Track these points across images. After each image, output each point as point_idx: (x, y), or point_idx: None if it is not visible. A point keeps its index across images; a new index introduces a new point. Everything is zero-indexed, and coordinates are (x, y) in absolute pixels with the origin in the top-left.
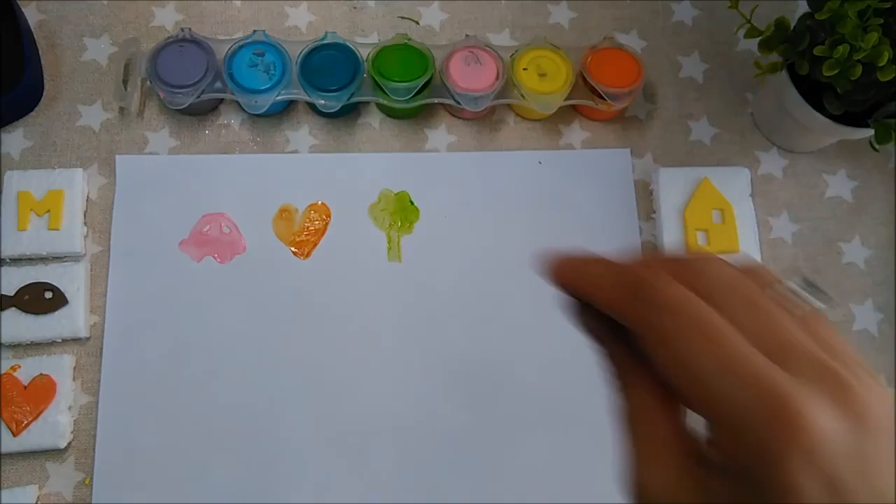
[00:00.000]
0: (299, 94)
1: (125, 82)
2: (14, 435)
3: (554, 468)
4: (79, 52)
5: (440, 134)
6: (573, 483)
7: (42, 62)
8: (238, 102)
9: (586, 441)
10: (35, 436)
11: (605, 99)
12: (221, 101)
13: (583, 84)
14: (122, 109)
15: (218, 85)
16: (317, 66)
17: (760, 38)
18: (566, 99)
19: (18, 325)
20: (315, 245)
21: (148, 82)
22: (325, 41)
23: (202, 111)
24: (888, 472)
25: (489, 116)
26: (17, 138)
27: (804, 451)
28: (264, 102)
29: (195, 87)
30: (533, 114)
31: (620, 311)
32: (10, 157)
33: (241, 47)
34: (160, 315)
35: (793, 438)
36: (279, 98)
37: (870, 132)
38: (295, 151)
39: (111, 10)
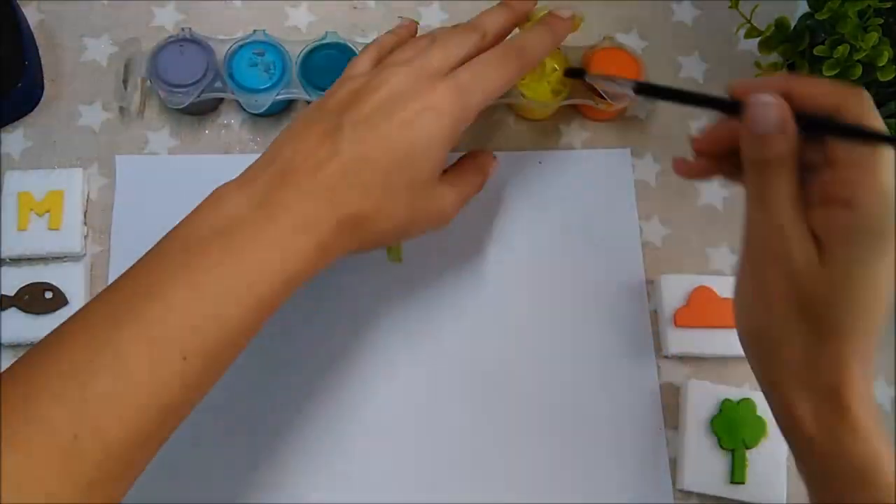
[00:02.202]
0: (299, 94)
1: (125, 82)
2: None
3: (557, 469)
4: (79, 52)
5: None
6: (576, 484)
7: (42, 62)
8: (238, 102)
9: (589, 443)
10: None
11: (604, 98)
12: (222, 100)
13: (583, 85)
14: (122, 109)
15: (218, 84)
16: (317, 65)
17: (760, 38)
18: (566, 99)
19: (18, 325)
20: None
21: (148, 82)
22: (326, 41)
23: (202, 111)
24: None
25: (489, 116)
26: (17, 138)
27: None
28: (264, 101)
29: (195, 87)
30: (533, 113)
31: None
32: (10, 157)
33: (241, 47)
34: None
35: None
36: (279, 97)
37: None
38: None
39: (111, 10)
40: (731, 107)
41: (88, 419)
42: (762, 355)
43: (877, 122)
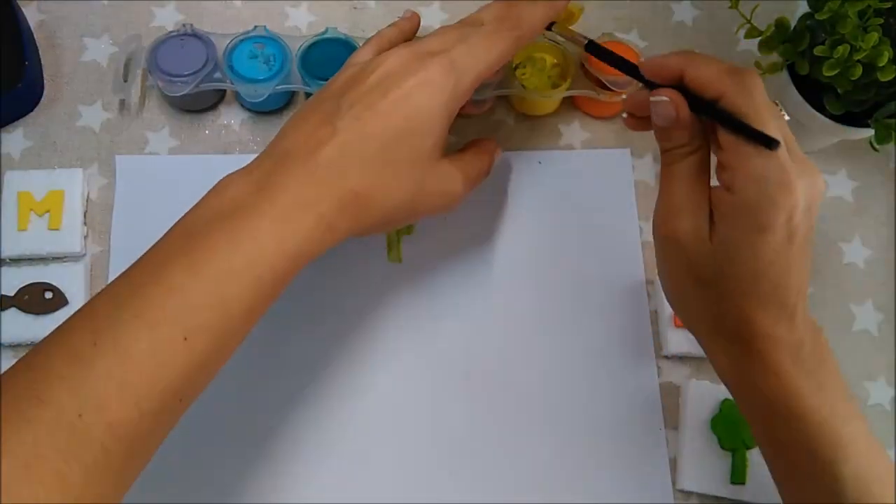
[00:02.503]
0: (299, 85)
1: (125, 76)
2: None
3: (557, 469)
4: (79, 52)
5: None
6: (576, 484)
7: (42, 62)
8: (239, 102)
9: (589, 442)
10: None
11: (607, 89)
12: (222, 98)
13: (584, 77)
14: (121, 103)
15: (217, 75)
16: (317, 59)
17: (760, 38)
18: (568, 90)
19: (18, 325)
20: None
21: (148, 75)
22: (326, 36)
23: (202, 106)
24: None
25: (489, 116)
26: (17, 138)
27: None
28: (263, 91)
29: (194, 77)
30: (534, 109)
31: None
32: (10, 157)
33: (241, 41)
34: None
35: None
36: (279, 88)
37: (870, 132)
38: None
39: (111, 10)
40: (648, 84)
41: (92, 399)
42: (679, 314)
43: (758, 111)
